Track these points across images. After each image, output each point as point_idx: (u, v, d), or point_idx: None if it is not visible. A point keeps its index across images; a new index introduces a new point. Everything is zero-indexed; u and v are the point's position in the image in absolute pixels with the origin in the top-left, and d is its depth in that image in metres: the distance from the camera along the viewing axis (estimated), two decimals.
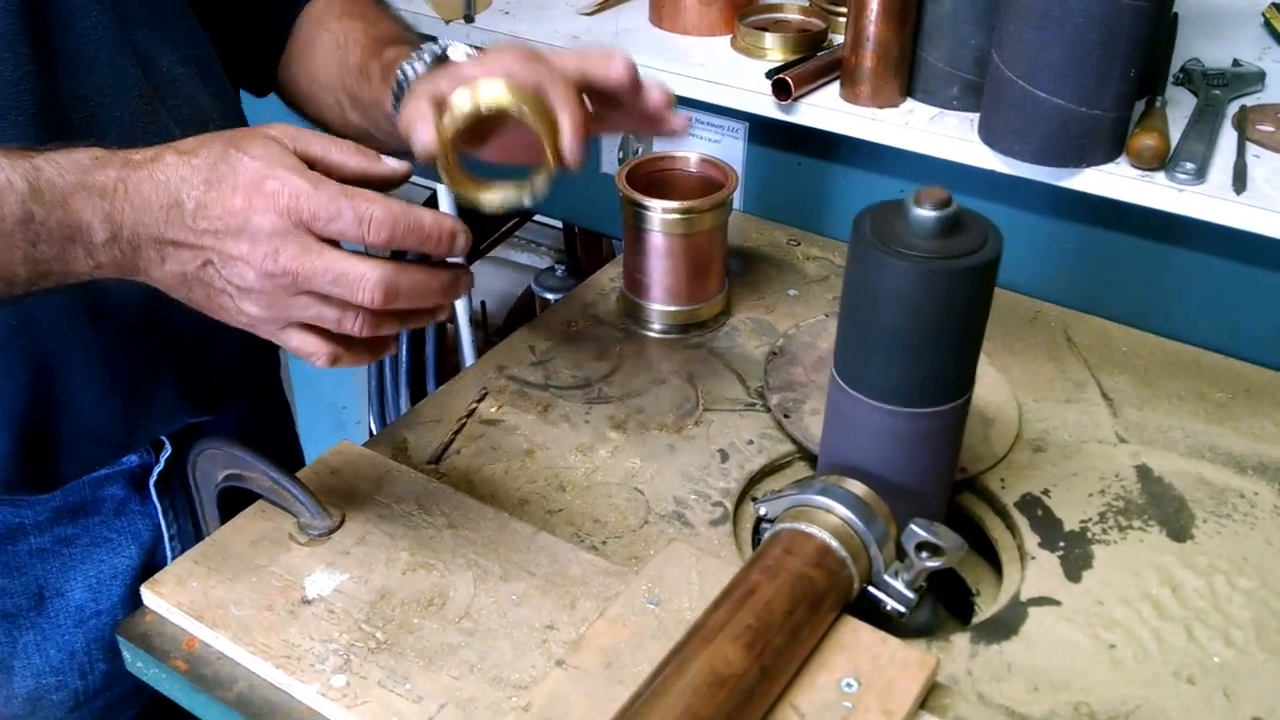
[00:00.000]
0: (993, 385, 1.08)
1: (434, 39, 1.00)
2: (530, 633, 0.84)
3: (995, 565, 0.97)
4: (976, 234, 0.81)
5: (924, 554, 0.81)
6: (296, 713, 0.80)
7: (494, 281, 2.63)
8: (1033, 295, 1.24)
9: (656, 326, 1.19)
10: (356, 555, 0.90)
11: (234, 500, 0.96)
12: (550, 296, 2.11)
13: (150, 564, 1.07)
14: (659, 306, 1.18)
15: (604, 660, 0.79)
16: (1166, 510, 0.96)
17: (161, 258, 0.75)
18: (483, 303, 2.38)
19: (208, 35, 1.01)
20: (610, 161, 1.51)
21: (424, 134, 0.82)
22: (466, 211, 0.87)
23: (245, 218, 0.72)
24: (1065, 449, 1.03)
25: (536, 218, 2.49)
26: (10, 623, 1.02)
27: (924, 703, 0.78)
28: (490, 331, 2.35)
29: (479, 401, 1.10)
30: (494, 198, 0.85)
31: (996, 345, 1.16)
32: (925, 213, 0.80)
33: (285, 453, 1.31)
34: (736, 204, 1.42)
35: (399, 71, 0.94)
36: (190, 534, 1.08)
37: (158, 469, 1.06)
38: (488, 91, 0.82)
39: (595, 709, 0.74)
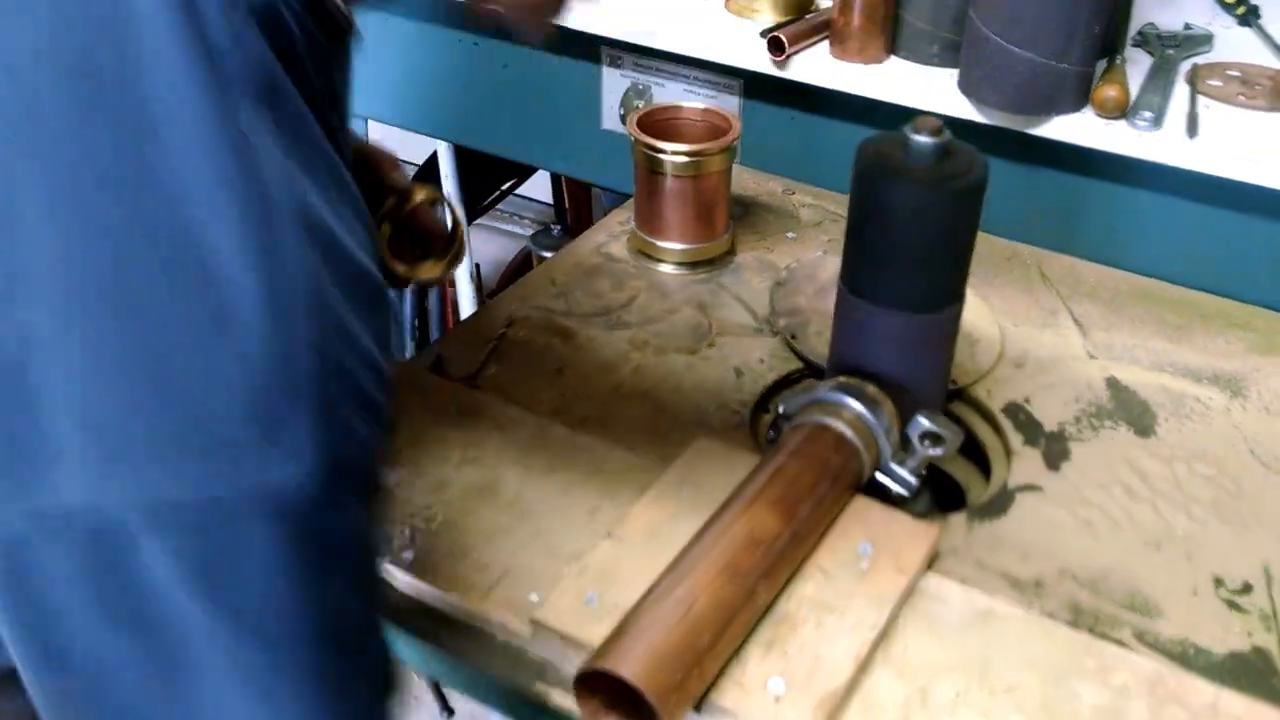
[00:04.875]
0: (977, 312, 1.20)
1: None
2: (577, 515, 0.94)
3: (984, 470, 1.08)
4: (965, 159, 0.93)
5: (926, 443, 0.93)
6: None
7: (486, 247, 2.72)
8: (1009, 237, 1.35)
9: (667, 263, 1.29)
10: (410, 454, 1.00)
11: None
12: (548, 254, 2.21)
13: None
14: (670, 244, 1.28)
15: (648, 533, 0.89)
16: (1133, 412, 1.08)
17: None
18: (476, 265, 2.48)
19: None
20: (610, 118, 1.62)
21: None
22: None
23: None
24: (1043, 364, 1.15)
25: (519, 191, 2.58)
26: None
27: (929, 566, 0.90)
28: (485, 295, 2.45)
29: (508, 327, 1.20)
30: (417, 275, 1.04)
31: (978, 280, 1.27)
32: (923, 139, 0.91)
33: None
34: None
35: None
36: None
37: None
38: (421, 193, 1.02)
39: (645, 569, 0.84)
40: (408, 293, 2.04)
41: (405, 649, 0.88)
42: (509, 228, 2.71)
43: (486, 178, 2.19)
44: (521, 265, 2.46)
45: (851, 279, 0.98)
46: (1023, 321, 1.21)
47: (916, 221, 0.92)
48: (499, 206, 2.60)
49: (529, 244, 2.26)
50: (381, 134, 1.93)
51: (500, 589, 0.87)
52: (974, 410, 1.10)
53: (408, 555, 0.90)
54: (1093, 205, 1.33)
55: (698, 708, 0.77)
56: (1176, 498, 0.99)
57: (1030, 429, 1.06)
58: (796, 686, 0.77)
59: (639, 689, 0.69)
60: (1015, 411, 1.09)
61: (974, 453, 1.09)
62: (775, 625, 0.82)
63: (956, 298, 0.97)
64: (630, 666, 0.70)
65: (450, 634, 0.87)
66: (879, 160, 0.93)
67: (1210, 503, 0.98)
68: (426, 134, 1.90)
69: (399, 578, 0.89)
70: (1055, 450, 1.04)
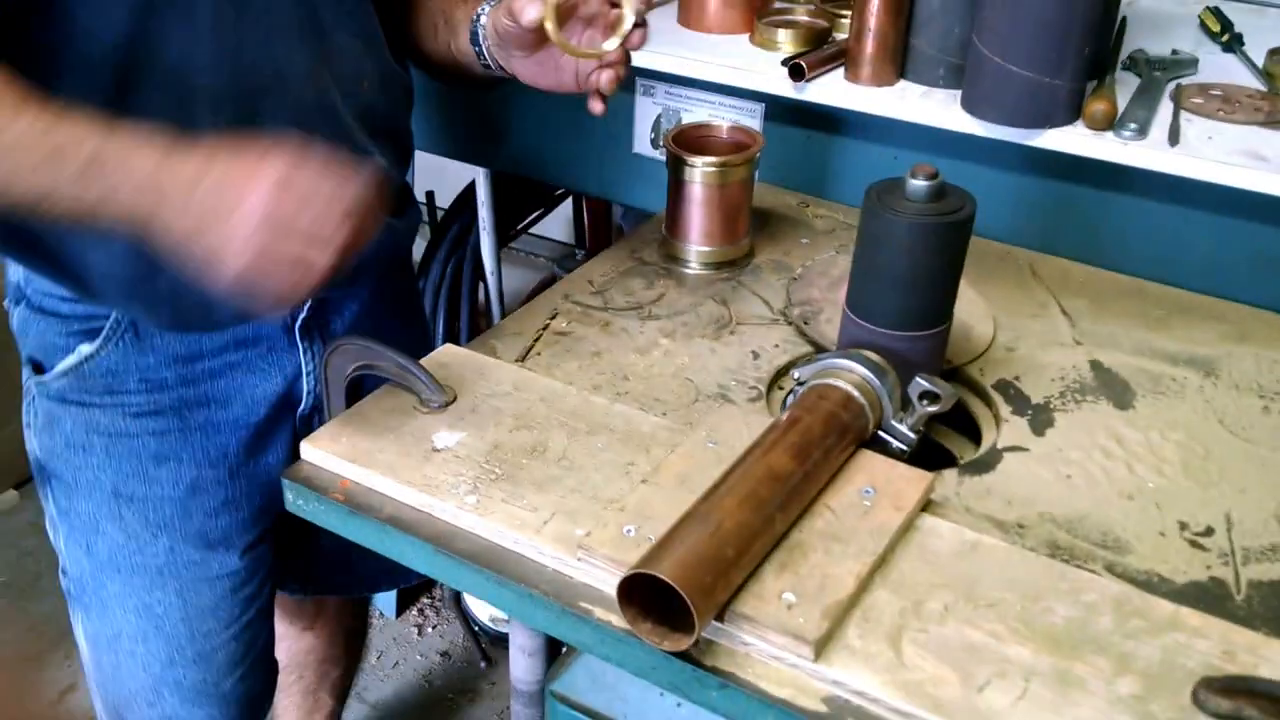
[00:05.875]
0: (973, 302, 1.32)
1: None
2: (616, 468, 1.07)
3: (975, 441, 1.21)
4: (957, 199, 1.09)
5: (924, 401, 1.05)
6: (438, 526, 1.03)
7: (507, 277, 2.89)
8: (1004, 240, 1.48)
9: (693, 264, 1.43)
10: (470, 420, 1.13)
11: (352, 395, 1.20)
12: None
13: (289, 392, 1.34)
14: (696, 247, 1.42)
15: (678, 480, 1.02)
16: (1114, 389, 1.21)
17: None
18: (501, 289, 2.63)
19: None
20: (642, 142, 1.76)
21: (533, 11, 1.13)
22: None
23: None
24: (1032, 348, 1.27)
25: (539, 231, 2.73)
26: (184, 422, 1.28)
27: (924, 509, 1.02)
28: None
29: (551, 319, 1.33)
30: (589, 49, 1.19)
31: (974, 278, 1.40)
32: (919, 183, 1.07)
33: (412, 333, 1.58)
34: None
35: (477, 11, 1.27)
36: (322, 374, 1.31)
37: (301, 316, 1.32)
38: None
39: (676, 507, 0.96)
40: (440, 309, 2.19)
41: (469, 579, 1.01)
42: (529, 261, 2.88)
43: (516, 208, 2.34)
44: (543, 289, 2.61)
45: (854, 302, 1.14)
46: (1015, 314, 1.34)
47: (910, 252, 1.08)
48: (518, 246, 2.75)
49: (554, 268, 2.41)
50: (423, 162, 2.08)
51: (550, 526, 1.00)
52: (967, 387, 1.23)
53: (471, 500, 1.03)
54: (1081, 209, 1.46)
55: (720, 617, 0.89)
56: (1149, 459, 1.11)
57: (1019, 401, 1.19)
58: (806, 598, 0.90)
59: (675, 587, 0.82)
60: (1005, 387, 1.21)
61: (966, 425, 1.22)
62: (789, 551, 0.94)
63: (944, 319, 1.13)
64: (668, 570, 0.83)
65: (508, 565, 0.99)
66: (880, 199, 1.09)
67: (1180, 463, 1.10)
68: (468, 162, 2.04)
69: (464, 519, 1.02)
70: (1041, 419, 1.16)
